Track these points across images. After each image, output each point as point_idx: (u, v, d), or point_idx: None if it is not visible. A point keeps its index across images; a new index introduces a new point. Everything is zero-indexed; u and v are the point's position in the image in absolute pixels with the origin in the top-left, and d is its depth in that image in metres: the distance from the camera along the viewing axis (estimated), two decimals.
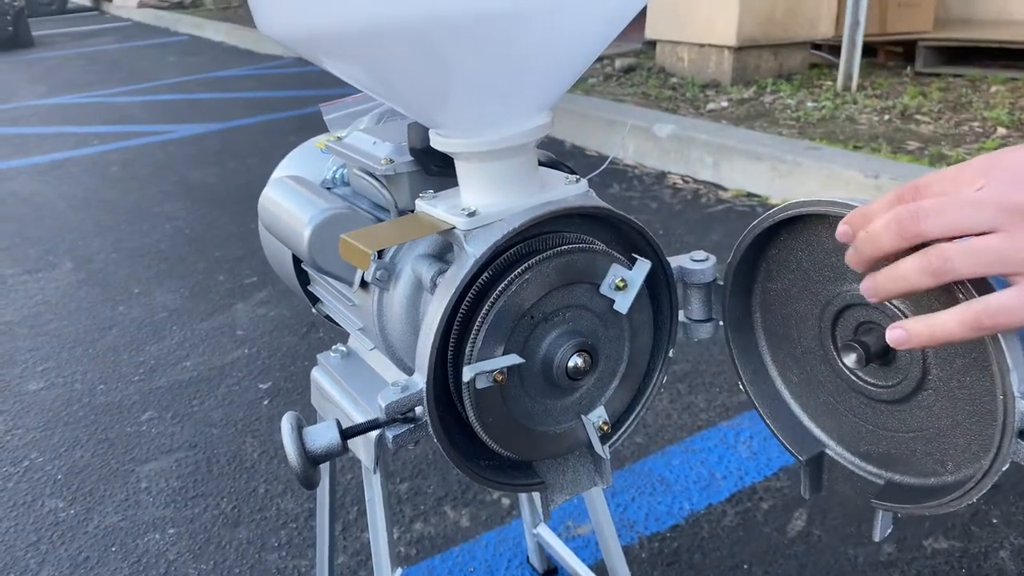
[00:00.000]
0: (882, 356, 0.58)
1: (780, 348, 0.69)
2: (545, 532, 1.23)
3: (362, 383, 0.81)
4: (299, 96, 4.91)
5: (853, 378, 0.62)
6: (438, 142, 0.62)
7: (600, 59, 4.83)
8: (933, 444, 0.58)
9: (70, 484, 1.48)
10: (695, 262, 0.71)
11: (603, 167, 0.89)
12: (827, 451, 0.67)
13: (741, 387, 0.71)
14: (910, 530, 1.24)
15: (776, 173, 2.61)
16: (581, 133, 3.53)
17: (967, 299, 0.46)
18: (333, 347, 0.88)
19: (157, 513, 1.39)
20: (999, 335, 0.47)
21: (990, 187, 0.44)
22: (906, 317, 0.54)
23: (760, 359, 0.71)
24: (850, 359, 0.59)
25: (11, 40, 8.53)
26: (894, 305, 0.56)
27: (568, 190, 0.66)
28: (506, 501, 1.36)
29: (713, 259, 0.72)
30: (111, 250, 2.67)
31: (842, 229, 0.52)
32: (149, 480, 1.48)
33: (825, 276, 0.62)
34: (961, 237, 0.45)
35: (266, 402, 1.71)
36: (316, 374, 0.87)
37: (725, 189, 2.80)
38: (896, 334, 0.49)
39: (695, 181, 2.92)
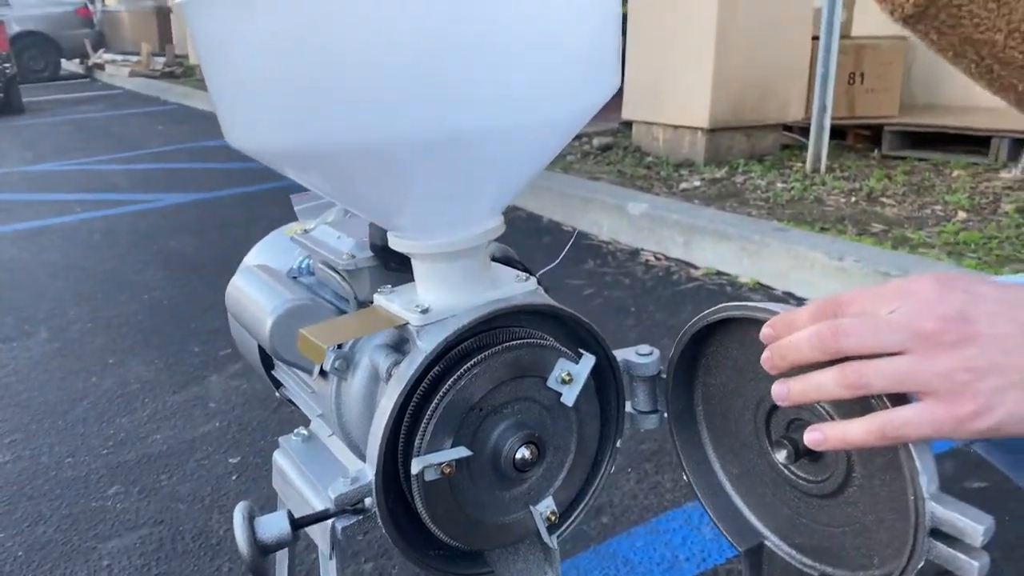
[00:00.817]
0: (810, 453, 0.61)
1: (721, 441, 0.72)
2: None
3: (321, 468, 0.83)
4: None
5: (786, 472, 0.65)
6: (395, 243, 0.66)
7: (579, 137, 4.96)
8: (861, 539, 0.61)
9: (31, 561, 1.47)
10: (640, 356, 0.75)
11: (552, 265, 0.93)
12: (766, 542, 0.70)
13: (684, 478, 0.74)
14: None
15: (744, 253, 2.68)
16: (558, 209, 3.61)
17: (880, 408, 0.50)
18: (295, 430, 0.90)
19: None
20: None
21: (903, 311, 0.48)
22: (832, 418, 0.58)
23: (703, 451, 0.74)
24: (781, 455, 0.62)
25: (2, 106, 8.64)
26: (822, 406, 0.59)
27: (517, 287, 0.70)
28: None
29: (657, 353, 0.75)
30: (87, 319, 2.68)
31: (766, 331, 0.56)
32: (111, 558, 1.47)
33: (759, 374, 0.65)
34: (876, 356, 0.49)
35: (235, 477, 1.71)
36: (277, 457, 0.88)
37: (696, 267, 2.87)
38: (813, 436, 0.53)
39: (667, 258, 2.98)
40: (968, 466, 1.58)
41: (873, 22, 5.16)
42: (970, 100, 4.82)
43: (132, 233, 3.77)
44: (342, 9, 0.46)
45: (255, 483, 1.68)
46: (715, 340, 0.69)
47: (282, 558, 0.95)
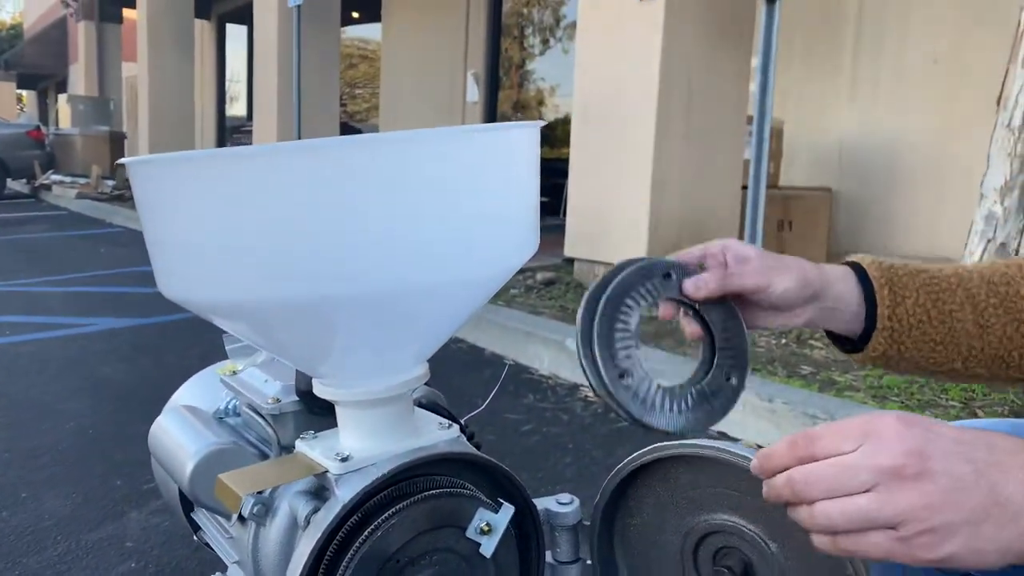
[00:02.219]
0: (748, 573, 0.64)
1: None
2: None
3: None
4: None
5: None
6: (320, 389, 0.68)
7: (522, 271, 5.08)
8: None
9: None
10: (561, 505, 0.76)
11: (484, 404, 0.95)
12: None
13: None
14: None
15: None
16: (500, 342, 3.65)
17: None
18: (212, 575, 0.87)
19: None
20: None
21: (865, 449, 0.52)
22: (765, 544, 0.62)
23: None
24: None
25: None
26: (754, 532, 0.62)
27: (440, 435, 0.71)
28: None
29: (577, 502, 0.76)
30: (3, 449, 2.56)
31: (753, 465, 0.59)
32: None
33: (684, 508, 0.67)
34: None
35: None
36: None
37: None
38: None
39: None
40: None
41: (799, 174, 5.53)
42: (888, 249, 5.13)
43: (62, 358, 3.66)
44: (266, 176, 0.50)
45: None
46: (637, 482, 0.71)
47: None
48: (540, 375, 3.29)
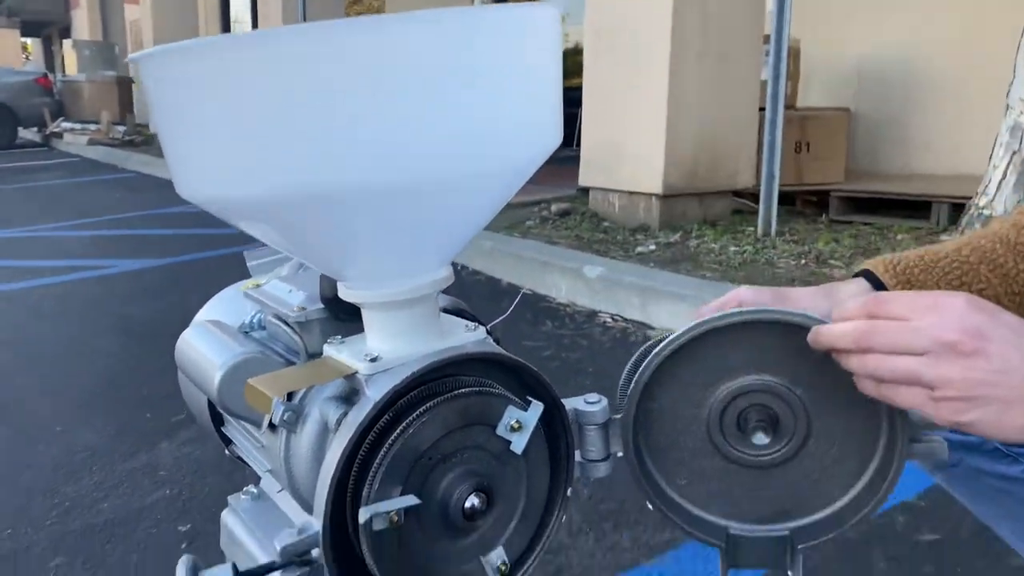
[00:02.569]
0: (775, 425, 0.69)
1: (665, 459, 0.76)
2: None
3: (269, 526, 0.81)
4: (240, 234, 4.97)
5: (748, 457, 0.71)
6: (345, 293, 0.67)
7: (537, 203, 5.05)
8: (819, 483, 0.70)
9: None
10: (589, 404, 0.76)
11: (509, 310, 0.95)
12: (731, 530, 0.74)
13: (649, 506, 0.76)
14: None
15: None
16: (517, 273, 3.65)
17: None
18: (244, 489, 0.88)
19: None
20: None
21: (931, 320, 0.57)
22: (791, 390, 0.69)
23: (653, 478, 0.76)
24: (759, 439, 0.68)
25: None
26: (776, 383, 0.68)
27: (467, 337, 0.71)
28: None
29: (605, 401, 0.76)
30: (36, 387, 2.61)
31: (822, 319, 0.65)
32: None
33: (708, 381, 0.70)
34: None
35: (184, 545, 1.66)
36: (225, 516, 0.87)
37: (652, 328, 2.91)
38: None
39: (624, 320, 3.02)
40: (920, 519, 1.60)
41: (816, 94, 5.40)
42: (908, 168, 5.04)
43: (87, 299, 3.71)
44: (290, 62, 0.48)
45: (206, 551, 1.63)
46: (662, 367, 0.72)
47: None
48: (558, 303, 3.29)
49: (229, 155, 0.53)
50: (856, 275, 0.87)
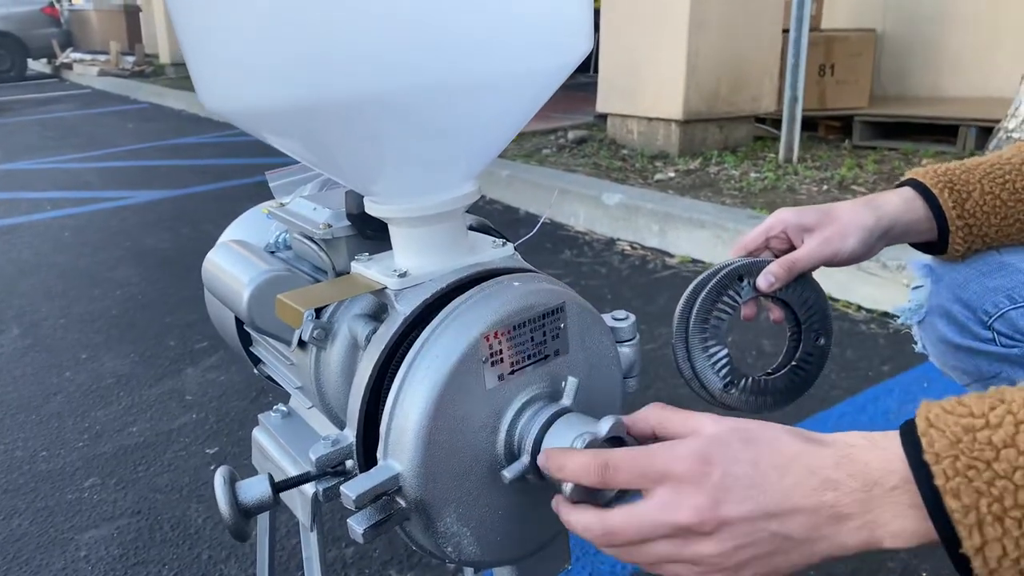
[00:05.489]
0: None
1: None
2: None
3: (301, 442, 0.83)
4: (256, 164, 4.95)
5: None
6: (372, 208, 0.67)
7: (554, 131, 4.97)
8: None
9: (6, 553, 1.45)
10: (617, 320, 0.76)
11: (535, 230, 0.94)
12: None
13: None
14: None
15: (719, 240, 2.71)
16: (535, 201, 3.62)
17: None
18: (274, 407, 0.90)
19: None
20: None
21: (662, 497, 0.52)
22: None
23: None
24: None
25: None
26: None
27: (495, 253, 0.70)
28: (451, 564, 1.36)
29: (633, 317, 0.76)
30: (59, 316, 2.65)
31: (540, 460, 0.61)
32: (88, 548, 1.46)
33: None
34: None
35: (213, 467, 1.70)
36: (257, 434, 0.89)
37: (671, 255, 2.89)
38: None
39: (643, 248, 3.00)
40: None
41: (842, 15, 5.23)
42: (937, 91, 4.91)
43: (104, 230, 3.72)
44: None
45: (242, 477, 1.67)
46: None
47: (263, 531, 0.95)
48: (576, 231, 3.27)
49: (255, 62, 0.51)
50: (899, 185, 0.87)
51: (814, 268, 0.84)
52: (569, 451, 0.58)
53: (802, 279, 0.84)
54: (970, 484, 0.44)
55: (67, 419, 1.94)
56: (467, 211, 0.73)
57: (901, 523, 0.47)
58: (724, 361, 0.81)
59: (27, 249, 3.46)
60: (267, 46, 0.50)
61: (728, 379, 0.81)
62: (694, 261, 2.80)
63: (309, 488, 0.73)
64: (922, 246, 0.89)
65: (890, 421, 1.76)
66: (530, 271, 0.69)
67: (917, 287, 0.94)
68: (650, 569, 0.55)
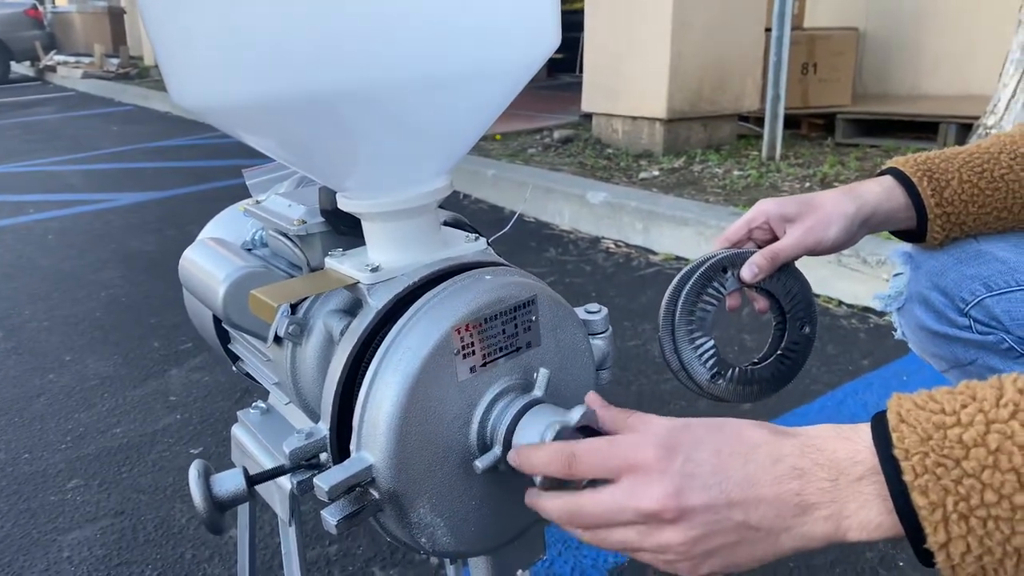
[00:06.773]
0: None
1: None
2: None
3: (279, 437, 0.83)
4: (240, 165, 4.91)
5: None
6: (345, 203, 0.67)
7: (539, 130, 4.99)
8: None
9: None
10: (590, 313, 0.77)
11: (510, 224, 0.94)
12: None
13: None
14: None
15: (702, 237, 2.72)
16: (519, 200, 3.63)
17: None
18: (252, 404, 0.90)
19: None
20: None
21: (626, 485, 0.53)
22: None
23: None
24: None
25: None
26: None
27: (468, 247, 0.71)
28: (435, 560, 1.37)
29: (605, 311, 0.77)
30: (43, 318, 2.64)
31: (511, 455, 0.61)
32: (72, 549, 1.45)
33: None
34: None
35: None
36: (236, 430, 0.89)
37: (655, 253, 2.91)
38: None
39: (627, 245, 3.02)
40: None
41: (824, 14, 5.27)
42: (918, 89, 4.95)
43: (88, 232, 3.71)
44: None
45: (218, 472, 1.67)
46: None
47: (243, 528, 0.95)
48: (561, 230, 3.29)
49: (226, 58, 0.52)
50: (880, 173, 0.88)
51: (797, 257, 0.85)
52: (536, 446, 0.59)
53: (786, 269, 0.86)
54: (938, 481, 0.45)
55: (50, 421, 1.94)
56: (443, 207, 0.74)
57: (866, 513, 0.48)
58: (711, 352, 0.82)
59: (10, 252, 3.44)
60: (236, 42, 0.51)
61: (715, 370, 0.83)
62: (677, 258, 2.82)
63: (287, 483, 0.73)
64: (902, 234, 0.91)
65: (869, 415, 1.78)
66: (503, 265, 0.70)
67: (897, 274, 0.96)
68: (621, 554, 0.55)
